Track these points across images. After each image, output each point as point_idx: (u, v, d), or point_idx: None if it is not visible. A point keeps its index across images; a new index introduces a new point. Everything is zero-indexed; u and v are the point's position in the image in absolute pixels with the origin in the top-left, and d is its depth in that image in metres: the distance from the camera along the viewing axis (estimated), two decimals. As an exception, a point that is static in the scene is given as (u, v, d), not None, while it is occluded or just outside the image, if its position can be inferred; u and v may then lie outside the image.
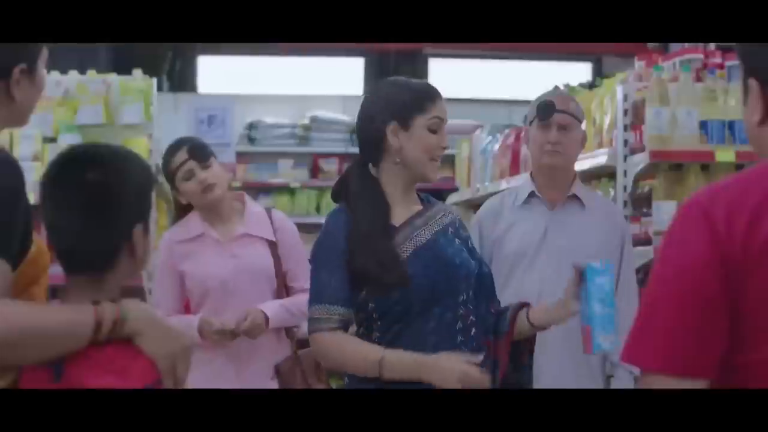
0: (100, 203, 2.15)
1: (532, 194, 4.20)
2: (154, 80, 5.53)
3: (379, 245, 3.13)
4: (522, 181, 4.41)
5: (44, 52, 2.36)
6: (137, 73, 5.52)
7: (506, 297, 3.65)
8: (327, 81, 10.62)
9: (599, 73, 9.89)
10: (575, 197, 4.19)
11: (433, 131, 3.19)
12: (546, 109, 4.14)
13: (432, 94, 3.23)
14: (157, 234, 6.62)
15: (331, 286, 3.13)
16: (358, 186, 3.21)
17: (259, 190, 10.26)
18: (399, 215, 3.22)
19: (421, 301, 3.12)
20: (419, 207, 3.27)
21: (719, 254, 1.86)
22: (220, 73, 10.68)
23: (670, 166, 4.79)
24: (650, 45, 8.39)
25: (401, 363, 3.04)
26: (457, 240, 3.25)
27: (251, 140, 10.34)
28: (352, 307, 3.14)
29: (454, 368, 2.98)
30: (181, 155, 4.30)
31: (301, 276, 4.29)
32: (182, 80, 10.69)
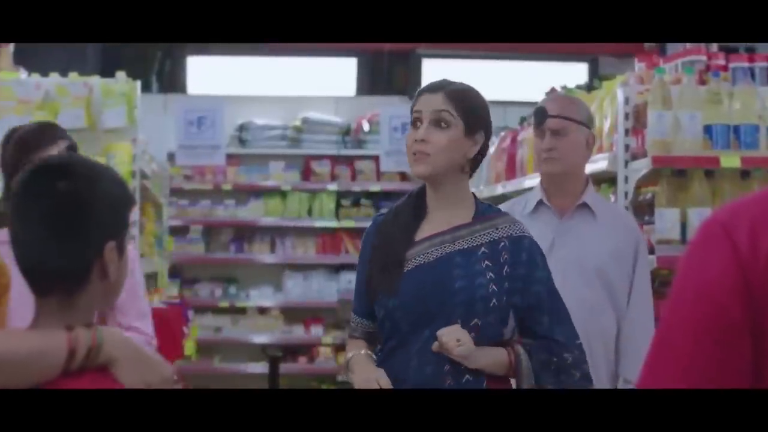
0: (69, 214, 2.02)
1: (540, 202, 4.03)
2: (138, 83, 5.36)
3: (390, 251, 3.08)
4: (534, 188, 4.25)
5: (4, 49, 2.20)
6: (120, 75, 5.35)
7: None
8: (319, 82, 10.57)
9: (595, 74, 9.82)
10: (585, 206, 4.01)
11: (414, 126, 3.10)
12: (538, 115, 4.00)
13: (419, 92, 3.14)
14: (145, 239, 6.51)
15: (356, 296, 3.20)
16: (409, 192, 3.19)
17: (249, 192, 10.31)
18: (428, 228, 3.12)
19: (410, 320, 3.03)
20: (464, 221, 3.11)
21: (742, 277, 1.72)
22: (210, 73, 10.64)
23: (673, 172, 4.65)
24: (646, 45, 8.29)
25: (348, 364, 3.13)
26: (485, 263, 3.06)
27: (242, 142, 10.30)
28: (369, 315, 3.18)
29: (366, 378, 3.02)
30: (58, 149, 3.53)
31: (130, 311, 3.67)
32: (171, 81, 10.61)
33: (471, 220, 3.11)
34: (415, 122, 3.10)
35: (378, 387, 2.97)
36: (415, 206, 3.15)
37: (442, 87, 3.11)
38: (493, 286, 3.03)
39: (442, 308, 3.01)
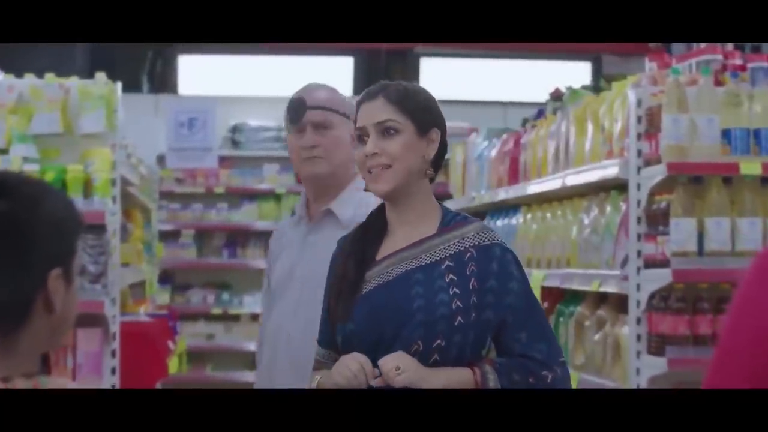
0: (5, 238, 1.80)
1: (300, 211, 3.58)
2: (118, 84, 5.09)
3: (346, 273, 2.87)
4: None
5: None
6: (100, 76, 5.07)
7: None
8: (315, 81, 10.26)
9: (599, 73, 9.79)
10: (331, 212, 3.52)
11: (360, 143, 2.91)
12: (295, 108, 3.50)
13: (357, 103, 2.95)
14: (133, 246, 6.26)
15: (321, 325, 2.96)
16: (371, 212, 2.97)
17: (243, 195, 10.28)
18: (390, 245, 2.89)
19: (367, 347, 2.79)
20: (428, 233, 2.87)
21: None
22: (202, 73, 10.59)
23: (690, 179, 4.47)
24: (652, 44, 8.15)
25: (319, 382, 2.92)
26: (449, 277, 2.82)
27: (235, 144, 10.26)
28: (334, 345, 2.92)
29: (343, 365, 2.78)
30: None
31: None
32: (162, 81, 10.53)
33: (436, 231, 2.88)
34: (361, 138, 2.87)
35: (360, 367, 2.74)
36: (376, 224, 2.93)
37: (379, 91, 2.89)
38: (459, 302, 2.79)
39: (400, 332, 2.78)
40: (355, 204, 3.50)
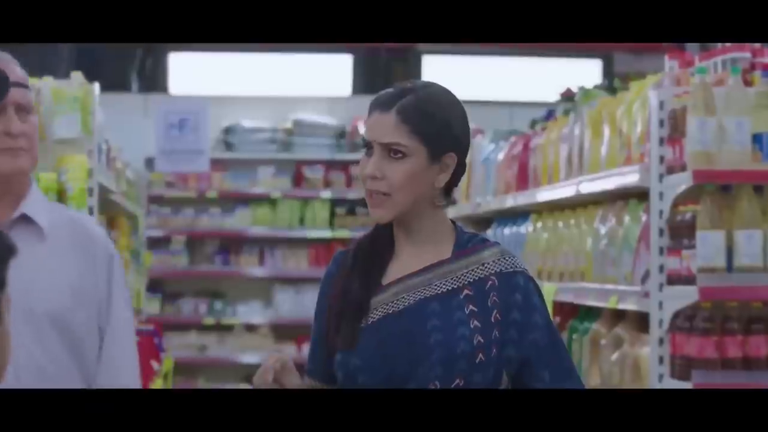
0: None
1: None
2: (95, 86, 4.79)
3: (350, 298, 2.66)
4: None
5: None
6: (76, 76, 4.74)
7: None
8: (312, 80, 10.50)
9: (610, 72, 9.74)
10: (27, 218, 2.91)
11: (367, 151, 2.67)
12: None
13: (370, 106, 2.71)
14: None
15: (311, 353, 2.78)
16: (376, 225, 2.75)
17: (236, 200, 10.26)
18: (398, 269, 2.67)
19: (375, 384, 2.60)
20: (442, 257, 2.65)
21: None
22: (194, 71, 10.52)
23: (717, 187, 4.27)
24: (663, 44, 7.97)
25: None
26: (469, 308, 2.61)
27: (228, 146, 10.19)
28: (326, 377, 2.71)
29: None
30: None
31: None
32: (152, 80, 10.56)
33: (450, 255, 2.67)
34: (368, 147, 2.62)
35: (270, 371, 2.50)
36: (381, 242, 2.70)
37: (394, 102, 2.60)
38: (480, 338, 2.60)
39: (415, 369, 2.59)
40: (47, 210, 2.94)
